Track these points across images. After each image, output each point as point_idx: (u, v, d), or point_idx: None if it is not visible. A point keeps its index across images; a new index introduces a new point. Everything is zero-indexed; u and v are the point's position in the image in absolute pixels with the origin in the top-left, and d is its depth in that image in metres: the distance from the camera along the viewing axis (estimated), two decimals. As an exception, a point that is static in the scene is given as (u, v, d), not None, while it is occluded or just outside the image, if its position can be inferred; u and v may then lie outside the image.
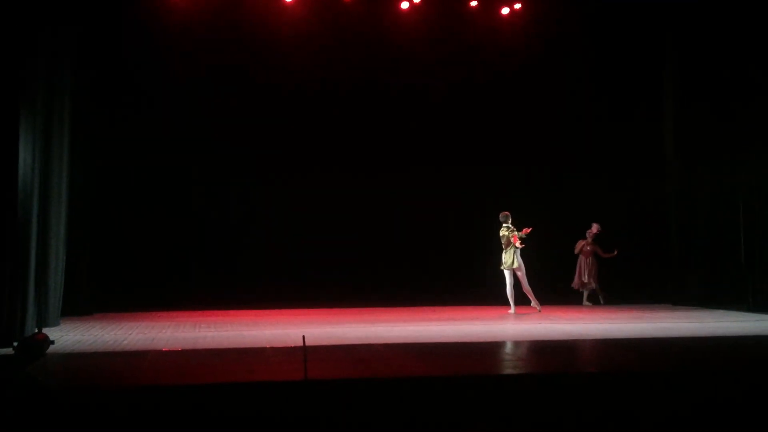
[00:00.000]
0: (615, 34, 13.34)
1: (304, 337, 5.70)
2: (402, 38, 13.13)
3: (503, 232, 11.64)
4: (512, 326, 10.00)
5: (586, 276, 13.07)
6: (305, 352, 5.42)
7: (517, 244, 11.49)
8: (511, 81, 13.41)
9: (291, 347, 7.38)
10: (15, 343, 6.71)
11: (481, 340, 8.28)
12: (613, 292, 13.11)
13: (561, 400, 5.45)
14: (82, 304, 11.04)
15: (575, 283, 13.21)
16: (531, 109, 13.44)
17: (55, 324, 9.64)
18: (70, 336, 8.65)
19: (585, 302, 13.03)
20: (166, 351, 7.48)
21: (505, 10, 13.28)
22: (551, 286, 12.82)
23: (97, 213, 11.63)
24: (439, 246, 13.24)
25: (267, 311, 11.62)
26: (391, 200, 13.10)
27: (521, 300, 11.78)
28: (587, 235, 13.15)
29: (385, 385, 5.62)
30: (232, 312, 11.47)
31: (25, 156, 8.34)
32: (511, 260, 11.59)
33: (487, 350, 7.61)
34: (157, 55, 12.35)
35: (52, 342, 6.66)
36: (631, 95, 13.54)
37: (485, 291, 12.60)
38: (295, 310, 11.72)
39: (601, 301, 13.07)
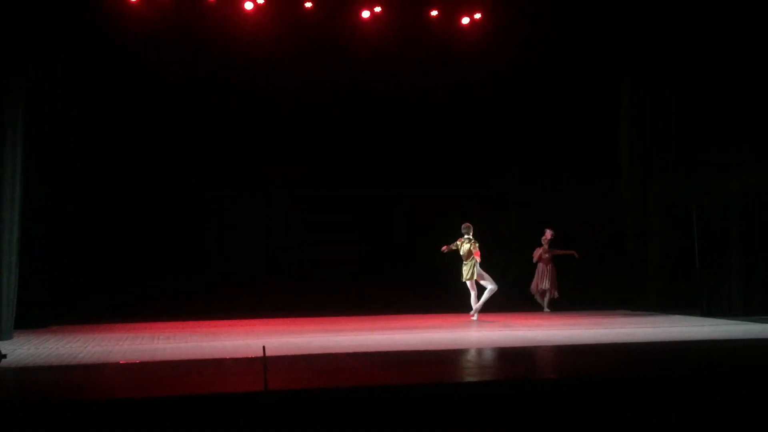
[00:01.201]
0: (573, 45, 13.54)
1: (264, 347, 5.63)
2: (364, 45, 13.14)
3: (466, 245, 11.64)
4: (474, 334, 10.04)
5: (546, 283, 13.17)
6: (265, 363, 5.35)
7: (478, 258, 11.55)
8: (470, 89, 13.52)
9: (251, 358, 7.29)
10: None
11: (444, 348, 8.29)
12: (570, 298, 13.18)
13: (524, 406, 5.47)
14: (36, 317, 10.75)
15: (533, 288, 13.30)
16: (488, 118, 13.55)
17: (8, 337, 9.39)
18: (23, 349, 8.42)
19: (546, 309, 13.14)
20: (123, 363, 7.33)
21: (465, 20, 13.39)
22: (507, 294, 12.88)
23: (51, 222, 11.37)
24: (400, 254, 13.21)
25: (227, 322, 11.47)
26: (353, 209, 13.07)
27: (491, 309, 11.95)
28: (542, 241, 13.27)
29: (349, 395, 5.58)
30: (191, 323, 11.31)
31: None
32: (470, 272, 11.65)
33: (450, 358, 7.61)
34: (117, 57, 12.15)
35: (4, 356, 6.50)
36: (589, 105, 13.76)
37: (448, 299, 12.62)
38: (256, 321, 11.61)
39: (545, 309, 13.14)
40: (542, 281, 13.18)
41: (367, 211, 13.10)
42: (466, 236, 11.72)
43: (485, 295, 11.73)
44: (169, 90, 12.43)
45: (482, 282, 11.74)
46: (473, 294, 11.84)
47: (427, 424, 4.94)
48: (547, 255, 13.21)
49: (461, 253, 11.75)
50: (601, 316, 12.09)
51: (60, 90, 11.35)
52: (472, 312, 11.78)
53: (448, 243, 11.90)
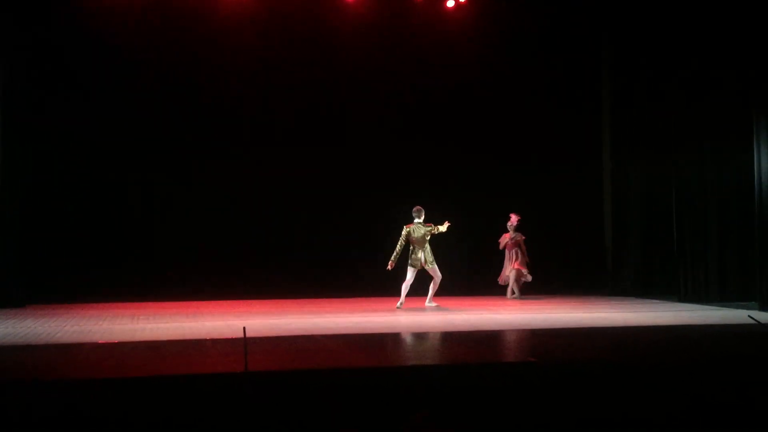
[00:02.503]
0: (556, 30, 13.58)
1: (244, 328, 5.64)
2: (346, 28, 13.08)
3: (420, 230, 11.14)
4: (457, 317, 10.08)
5: (510, 270, 12.65)
6: (246, 344, 5.36)
7: (443, 228, 11.16)
8: (451, 74, 13.49)
9: (231, 339, 7.30)
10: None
11: (425, 330, 8.34)
12: (547, 283, 13.15)
13: (501, 389, 5.53)
14: (13, 296, 10.72)
15: (500, 278, 12.91)
16: (469, 103, 13.57)
17: (-15, 316, 9.33)
18: (0, 328, 8.37)
19: (515, 295, 12.68)
20: (102, 343, 7.30)
21: (451, 3, 13.35)
22: (482, 280, 12.93)
23: (28, 202, 11.29)
24: (380, 237, 13.19)
25: (207, 303, 11.47)
26: (335, 191, 13.05)
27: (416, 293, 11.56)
28: (508, 227, 12.83)
29: (327, 376, 5.61)
30: (171, 303, 11.28)
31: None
32: (427, 257, 11.15)
33: (429, 340, 7.66)
34: (89, 44, 12.03)
35: (-19, 335, 6.44)
36: (570, 90, 13.83)
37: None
38: (237, 302, 11.60)
39: (509, 294, 12.73)
40: (507, 269, 12.75)
41: (349, 193, 13.09)
42: (417, 221, 11.18)
43: (434, 285, 11.28)
44: (147, 75, 12.35)
45: (430, 268, 11.21)
46: (410, 282, 11.20)
47: (404, 406, 4.98)
48: (511, 241, 12.69)
49: (415, 237, 11.16)
50: (578, 300, 12.20)
51: (37, 71, 11.21)
52: (426, 301, 11.32)
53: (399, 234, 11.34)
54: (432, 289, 11.36)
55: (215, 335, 7.77)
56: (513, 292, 12.70)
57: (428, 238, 11.17)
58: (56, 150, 11.88)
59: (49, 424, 4.74)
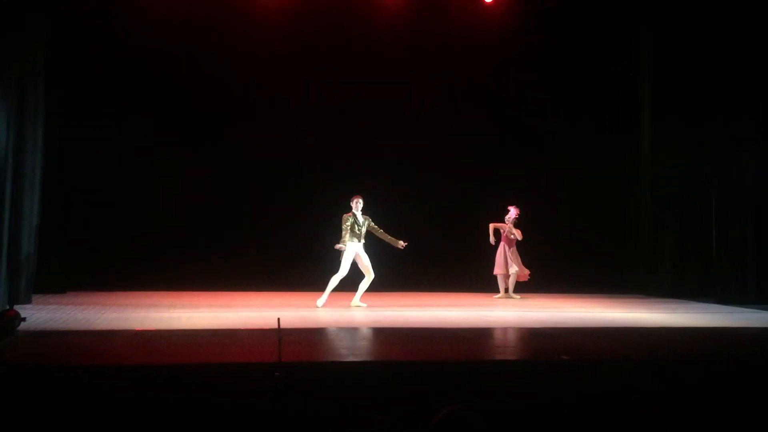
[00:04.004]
0: (595, 25, 13.35)
1: (279, 319, 5.68)
2: (380, 23, 13.04)
3: (368, 221, 10.52)
4: (486, 314, 10.03)
5: (514, 267, 11.90)
6: (280, 335, 5.41)
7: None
8: (486, 68, 13.35)
9: (265, 329, 7.37)
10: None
11: (458, 326, 8.31)
12: (584, 283, 12.91)
13: (530, 386, 5.50)
14: (54, 282, 10.93)
15: (500, 271, 12.06)
16: (503, 98, 13.41)
17: (27, 301, 9.54)
18: (41, 314, 8.56)
19: (506, 293, 12.03)
20: (138, 331, 7.43)
21: (489, -1, 13.24)
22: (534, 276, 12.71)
23: (71, 190, 11.50)
24: (425, 233, 13.13)
25: (242, 293, 11.57)
26: (369, 184, 13.01)
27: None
28: (506, 220, 11.97)
29: (359, 369, 5.63)
30: (206, 294, 11.41)
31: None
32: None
33: (466, 337, 7.63)
34: (134, 37, 12.13)
35: (24, 319, 6.61)
36: (608, 88, 13.60)
37: (470, 278, 12.65)
38: (272, 294, 11.69)
39: (502, 292, 12.07)
40: (510, 265, 11.93)
41: (383, 186, 13.04)
42: (358, 212, 10.49)
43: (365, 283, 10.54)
44: (178, 69, 12.42)
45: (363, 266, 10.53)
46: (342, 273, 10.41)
47: (435, 400, 4.98)
48: (511, 236, 11.94)
49: (365, 230, 10.51)
50: (613, 300, 12.03)
51: (70, 69, 11.35)
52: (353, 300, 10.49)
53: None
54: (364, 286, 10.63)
55: (249, 325, 7.85)
56: (512, 290, 12.04)
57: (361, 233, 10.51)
58: (97, 139, 12.00)
59: (89, 408, 4.85)
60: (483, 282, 12.54)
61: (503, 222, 12.04)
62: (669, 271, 12.91)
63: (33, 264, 9.94)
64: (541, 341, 7.48)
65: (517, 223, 12.03)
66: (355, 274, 10.55)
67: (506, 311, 10.21)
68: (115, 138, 12.11)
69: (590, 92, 13.55)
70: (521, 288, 12.18)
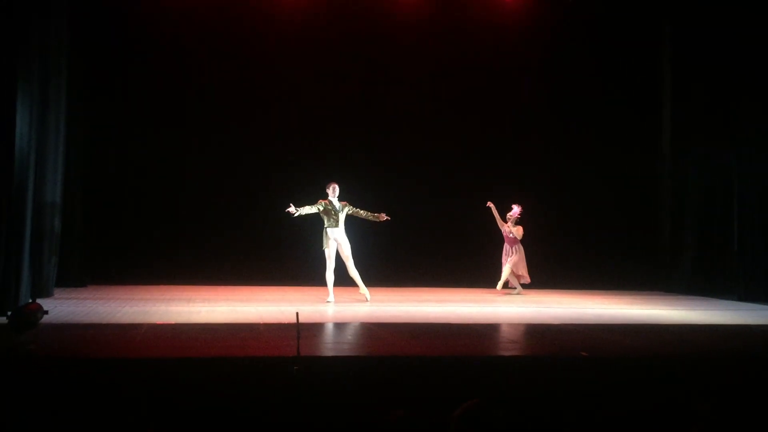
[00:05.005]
0: (617, 19, 13.25)
1: (297, 313, 5.70)
2: (401, 19, 13.04)
3: (346, 207, 10.42)
4: (506, 309, 10.00)
5: (514, 265, 11.66)
6: (298, 329, 5.43)
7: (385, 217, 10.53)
8: (508, 64, 13.31)
9: (284, 323, 7.40)
10: (9, 313, 6.73)
11: (477, 321, 8.31)
12: (604, 279, 12.86)
13: (551, 382, 5.49)
14: (75, 275, 11.02)
15: (513, 267, 11.75)
16: (524, 92, 13.34)
17: (49, 294, 9.64)
18: (63, 307, 8.66)
19: (502, 287, 11.78)
20: (159, 324, 7.48)
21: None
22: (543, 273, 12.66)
23: (92, 183, 11.58)
24: (439, 229, 13.13)
25: (261, 288, 11.61)
26: (389, 181, 13.02)
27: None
28: (507, 218, 11.71)
29: (378, 364, 5.65)
30: (226, 288, 11.46)
31: (21, 125, 8.28)
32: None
33: (484, 333, 7.62)
34: (155, 33, 12.19)
35: (46, 312, 6.68)
36: (628, 82, 13.48)
37: (480, 273, 12.60)
38: (290, 288, 11.73)
39: (499, 287, 11.73)
40: (506, 262, 11.73)
41: (403, 181, 13.04)
42: (336, 198, 10.41)
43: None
44: (203, 60, 12.48)
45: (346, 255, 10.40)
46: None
47: (454, 394, 4.98)
48: (511, 235, 11.66)
49: (344, 216, 10.41)
50: (634, 296, 11.94)
51: (92, 59, 11.40)
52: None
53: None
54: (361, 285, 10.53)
55: (268, 320, 7.89)
56: (505, 285, 11.80)
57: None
58: (119, 134, 12.10)
59: (109, 400, 4.90)
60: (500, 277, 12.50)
61: (506, 218, 11.78)
62: (689, 267, 12.80)
63: (56, 257, 10.04)
64: (560, 337, 7.45)
65: (520, 221, 11.76)
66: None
67: (523, 307, 10.18)
68: (137, 133, 12.18)
69: (610, 87, 13.44)
70: (533, 285, 12.00)
